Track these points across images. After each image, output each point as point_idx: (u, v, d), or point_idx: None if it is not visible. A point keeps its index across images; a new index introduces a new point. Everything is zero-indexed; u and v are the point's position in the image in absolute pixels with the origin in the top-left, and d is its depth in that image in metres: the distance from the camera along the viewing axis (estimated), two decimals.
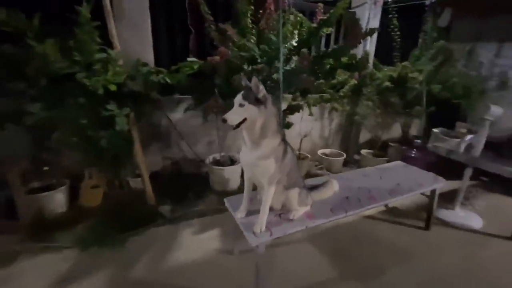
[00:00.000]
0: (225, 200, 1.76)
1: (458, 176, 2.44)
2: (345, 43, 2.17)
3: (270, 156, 1.32)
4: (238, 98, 1.23)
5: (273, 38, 2.31)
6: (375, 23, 3.50)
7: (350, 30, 2.08)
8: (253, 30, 2.26)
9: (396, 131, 4.26)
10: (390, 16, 3.56)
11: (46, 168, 2.43)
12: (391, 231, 2.31)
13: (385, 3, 3.51)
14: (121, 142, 2.25)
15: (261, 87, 1.24)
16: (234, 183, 2.78)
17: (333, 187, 1.87)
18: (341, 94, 2.70)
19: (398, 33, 3.57)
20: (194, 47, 2.73)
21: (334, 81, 2.63)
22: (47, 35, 1.74)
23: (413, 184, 2.10)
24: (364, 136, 4.21)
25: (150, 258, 1.88)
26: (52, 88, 1.87)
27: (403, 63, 3.09)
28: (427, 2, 3.39)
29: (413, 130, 4.34)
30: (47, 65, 1.77)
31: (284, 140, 1.39)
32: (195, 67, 2.15)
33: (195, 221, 2.31)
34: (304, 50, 2.28)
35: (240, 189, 2.87)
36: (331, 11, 2.26)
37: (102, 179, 2.54)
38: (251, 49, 2.17)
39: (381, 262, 1.94)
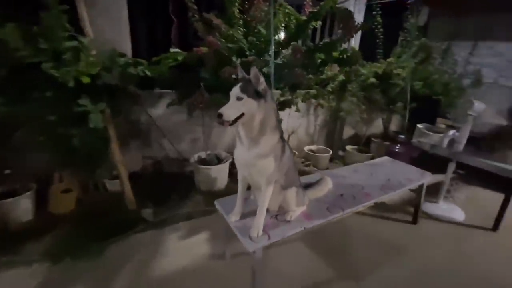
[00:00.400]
0: (215, 202, 1.64)
1: (438, 170, 2.50)
2: (338, 36, 2.10)
3: (269, 155, 1.22)
4: (235, 91, 1.11)
5: (262, 29, 2.20)
6: (359, 18, 3.51)
7: (344, 23, 2.02)
8: (241, 21, 2.12)
9: (377, 127, 4.34)
10: (374, 13, 3.58)
11: (8, 171, 2.15)
12: (381, 226, 2.32)
13: (368, 0, 3.52)
14: (96, 141, 2.04)
15: (262, 79, 1.13)
16: (221, 183, 2.65)
17: (328, 185, 1.82)
18: (329, 89, 2.66)
19: (381, 30, 3.60)
20: (176, 38, 2.54)
21: (323, 76, 2.58)
22: (7, 19, 1.50)
23: (403, 179, 2.11)
24: (346, 132, 4.25)
25: (132, 268, 1.71)
26: (14, 79, 1.63)
27: (389, 60, 3.12)
28: (409, 0, 3.44)
29: (392, 126, 4.46)
30: (7, 53, 1.54)
31: (282, 137, 1.30)
32: (179, 58, 1.98)
33: (181, 225, 2.15)
34: (294, 43, 2.21)
35: (228, 189, 2.78)
36: (321, 3, 2.19)
37: (74, 182, 2.30)
38: (239, 41, 2.04)
39: (374, 259, 1.92)
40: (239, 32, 2.05)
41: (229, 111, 1.09)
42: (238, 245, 1.77)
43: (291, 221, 1.45)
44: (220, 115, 1.08)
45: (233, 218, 1.43)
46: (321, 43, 2.15)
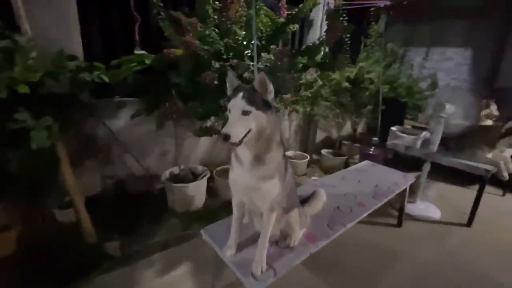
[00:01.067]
0: (202, 232, 1.38)
1: (410, 170, 2.57)
2: (321, 40, 2.00)
3: (274, 175, 1.02)
4: (240, 104, 0.89)
5: (238, 31, 2.01)
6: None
7: (330, 25, 1.93)
8: (216, 21, 1.90)
9: (345, 129, 4.44)
10: (341, 18, 3.63)
11: None
12: (369, 232, 2.28)
13: (335, 6, 3.57)
14: (40, 164, 1.64)
15: (271, 86, 0.94)
16: (199, 201, 2.37)
17: (323, 198, 1.67)
18: (309, 95, 2.57)
19: (348, 35, 3.67)
20: (140, 38, 2.20)
21: (303, 81, 2.49)
22: None
23: (390, 184, 2.08)
24: (318, 135, 4.26)
25: None
26: None
27: (360, 64, 3.16)
28: (379, 4, 3.55)
29: (359, 129, 4.61)
30: None
31: (285, 152, 1.12)
32: (147, 62, 1.68)
33: (157, 257, 1.83)
34: (274, 47, 2.06)
35: (207, 208, 2.50)
36: (300, 5, 2.09)
37: (13, 217, 1.82)
38: (216, 42, 1.82)
39: (371, 269, 1.86)
40: (215, 33, 1.83)
41: (237, 129, 0.87)
42: (229, 274, 1.55)
43: (295, 247, 1.27)
44: (227, 137, 0.85)
45: (228, 253, 1.20)
46: (303, 47, 2.03)
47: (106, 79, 1.79)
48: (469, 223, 2.42)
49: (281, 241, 1.31)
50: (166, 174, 2.39)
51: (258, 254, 1.13)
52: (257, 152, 0.97)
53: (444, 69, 4.14)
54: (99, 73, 1.78)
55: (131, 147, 2.46)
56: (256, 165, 0.99)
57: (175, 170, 2.44)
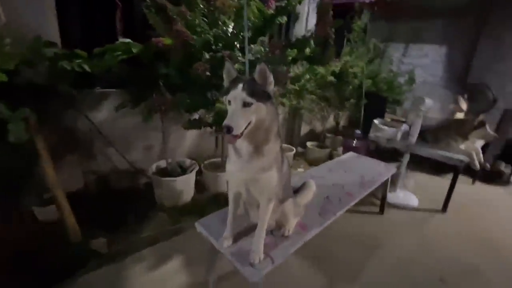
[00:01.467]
0: (196, 224, 1.37)
1: (390, 160, 2.70)
2: (311, 32, 2.02)
3: (272, 166, 1.04)
4: (241, 95, 0.88)
5: (227, 21, 1.97)
6: (313, 16, 3.56)
7: (320, 17, 1.95)
8: (204, 10, 1.85)
9: (328, 122, 4.55)
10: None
11: None
12: (355, 221, 2.37)
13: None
14: (18, 159, 1.54)
15: (271, 77, 0.93)
16: (188, 195, 2.34)
17: (312, 188, 1.72)
18: (297, 88, 2.59)
19: (332, 30, 3.72)
20: (121, 26, 2.10)
21: (292, 74, 2.50)
22: None
23: (375, 174, 2.18)
24: (303, 129, 4.33)
25: None
26: None
27: (345, 59, 3.23)
28: (363, 0, 3.62)
29: (341, 121, 4.74)
30: None
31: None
32: (134, 50, 1.61)
33: (146, 252, 1.79)
34: (262, 38, 2.05)
35: (195, 201, 2.47)
36: None
37: None
38: (205, 32, 1.77)
39: (357, 254, 1.95)
40: (205, 22, 1.78)
41: (239, 121, 0.86)
42: (221, 266, 1.56)
43: (290, 236, 1.30)
44: (230, 129, 0.84)
45: (225, 244, 1.20)
46: (293, 39, 2.04)
47: (87, 68, 1.69)
48: (444, 209, 2.60)
49: (276, 230, 1.33)
50: (153, 168, 2.33)
51: (255, 243, 1.15)
52: (256, 143, 0.98)
53: (421, 65, 4.34)
54: (80, 62, 1.68)
55: (115, 141, 2.36)
56: (255, 156, 0.99)
57: (162, 163, 2.38)
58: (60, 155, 2.05)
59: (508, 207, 2.85)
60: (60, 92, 1.77)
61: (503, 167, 3.34)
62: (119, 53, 1.66)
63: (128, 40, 1.69)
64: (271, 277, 1.13)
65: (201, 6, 1.87)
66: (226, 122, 0.85)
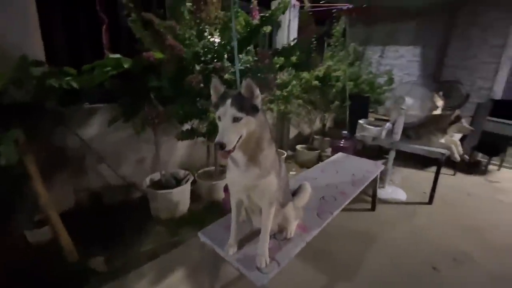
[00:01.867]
0: (200, 234, 1.39)
1: (376, 158, 2.83)
2: (299, 39, 2.10)
3: (270, 172, 1.08)
4: (230, 111, 0.91)
5: (214, 33, 2.02)
6: (295, 24, 3.67)
7: (304, 27, 2.03)
8: (192, 22, 1.89)
9: (315, 125, 4.67)
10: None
11: None
12: (348, 218, 2.44)
13: (301, 7, 3.73)
14: (8, 180, 1.50)
15: (257, 90, 0.98)
16: (184, 206, 2.33)
17: (308, 190, 1.77)
18: (284, 94, 2.67)
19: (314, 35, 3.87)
20: (108, 41, 2.09)
21: (279, 81, 2.58)
22: None
23: (365, 172, 2.27)
24: (291, 132, 4.43)
25: None
26: None
27: (328, 63, 3.36)
28: (341, 7, 3.78)
29: (327, 123, 4.88)
30: None
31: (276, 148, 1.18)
32: (125, 65, 1.61)
33: (147, 267, 1.77)
34: (249, 48, 2.12)
35: (192, 212, 2.46)
36: (273, 8, 2.16)
37: None
38: (194, 45, 1.81)
39: (353, 250, 2.02)
40: (193, 35, 1.82)
41: (230, 137, 0.89)
42: (224, 273, 1.58)
43: (292, 238, 1.35)
44: (222, 145, 0.87)
45: (231, 251, 1.22)
46: (278, 48, 2.11)
47: (75, 85, 1.68)
48: (430, 201, 2.74)
49: (278, 234, 1.37)
50: (147, 181, 2.30)
51: (260, 248, 1.18)
52: (250, 153, 1.02)
53: (398, 65, 4.58)
54: (69, 79, 1.66)
55: (106, 156, 2.33)
56: (251, 165, 1.03)
57: (156, 176, 2.37)
58: (50, 174, 2.00)
59: (486, 194, 3.05)
60: (47, 109, 1.74)
61: (480, 157, 3.57)
62: (109, 68, 1.66)
63: (117, 55, 1.69)
64: (274, 280, 1.16)
65: (187, 18, 1.91)
66: (218, 139, 0.88)
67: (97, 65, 1.72)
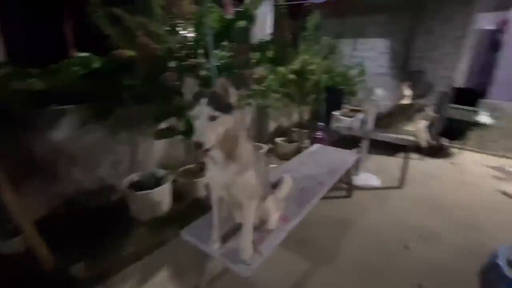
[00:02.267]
0: (183, 233, 1.40)
1: (350, 147, 2.96)
2: (276, 35, 2.13)
3: (248, 167, 1.11)
4: (206, 111, 0.93)
5: (186, 27, 1.99)
6: (269, 20, 3.69)
7: (279, 23, 2.06)
8: (165, 18, 1.85)
9: (293, 118, 4.76)
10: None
11: None
12: (325, 206, 2.52)
13: (275, 2, 3.74)
14: None
15: (232, 89, 1.00)
16: (165, 206, 2.31)
17: (289, 182, 1.84)
18: (263, 88, 2.70)
19: (289, 30, 3.91)
20: (72, 39, 1.98)
21: (256, 76, 2.59)
22: None
23: (340, 162, 2.39)
24: (270, 126, 4.49)
25: None
26: None
27: (304, 57, 3.42)
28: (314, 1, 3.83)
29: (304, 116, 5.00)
30: None
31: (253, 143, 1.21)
32: (96, 65, 1.55)
33: (131, 270, 1.74)
34: (224, 43, 2.11)
35: (174, 211, 2.44)
36: (246, 2, 2.17)
37: None
38: (167, 41, 1.78)
39: (331, 237, 2.13)
40: (166, 31, 1.78)
41: (208, 136, 0.91)
42: (210, 270, 1.61)
43: (274, 229, 1.40)
44: (201, 145, 0.89)
45: (215, 247, 1.26)
46: (255, 43, 2.13)
47: (40, 86, 1.59)
48: (400, 185, 2.93)
49: (260, 226, 1.42)
50: (125, 182, 2.25)
51: (243, 241, 1.22)
52: (228, 150, 1.04)
53: (369, 57, 4.76)
54: (33, 81, 1.58)
55: (78, 159, 2.23)
56: (229, 162, 1.06)
57: (134, 177, 2.32)
58: (21, 180, 1.89)
59: (450, 175, 3.32)
60: (12, 113, 1.64)
61: (444, 142, 3.86)
62: (79, 67, 1.59)
63: (86, 54, 1.62)
64: (259, 271, 1.21)
65: (159, 13, 1.86)
66: (195, 138, 0.90)
67: (65, 64, 1.64)
